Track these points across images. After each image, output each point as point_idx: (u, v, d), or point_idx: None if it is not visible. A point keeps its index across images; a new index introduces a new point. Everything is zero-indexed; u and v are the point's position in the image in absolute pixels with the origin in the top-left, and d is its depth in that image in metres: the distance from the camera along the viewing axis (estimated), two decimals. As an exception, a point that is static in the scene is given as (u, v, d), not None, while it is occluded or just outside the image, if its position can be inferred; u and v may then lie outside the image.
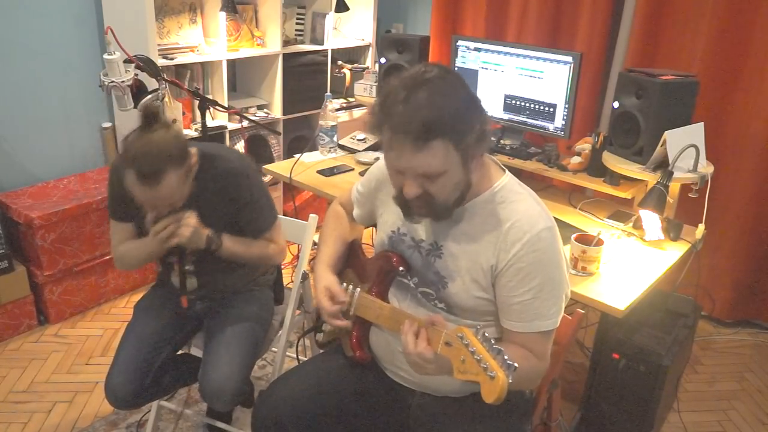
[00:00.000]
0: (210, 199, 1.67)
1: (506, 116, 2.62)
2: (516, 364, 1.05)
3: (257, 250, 1.76)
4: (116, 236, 1.76)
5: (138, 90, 2.14)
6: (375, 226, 1.59)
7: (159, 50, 2.82)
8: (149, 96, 2.13)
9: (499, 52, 2.57)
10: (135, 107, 2.14)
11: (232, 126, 3.19)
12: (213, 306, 1.85)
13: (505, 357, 1.06)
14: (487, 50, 2.61)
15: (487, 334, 1.10)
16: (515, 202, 1.30)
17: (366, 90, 3.16)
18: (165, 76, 2.18)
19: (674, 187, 2.19)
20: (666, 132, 2.04)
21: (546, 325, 1.28)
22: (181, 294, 1.76)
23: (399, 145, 1.17)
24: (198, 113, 2.44)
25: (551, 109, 2.47)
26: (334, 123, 2.86)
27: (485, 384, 1.05)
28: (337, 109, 3.52)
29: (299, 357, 1.84)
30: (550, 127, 2.50)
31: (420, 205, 1.26)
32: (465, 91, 1.20)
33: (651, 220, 2.07)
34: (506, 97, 2.60)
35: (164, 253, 1.72)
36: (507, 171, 1.37)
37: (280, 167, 2.70)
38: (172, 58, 2.89)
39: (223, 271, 1.80)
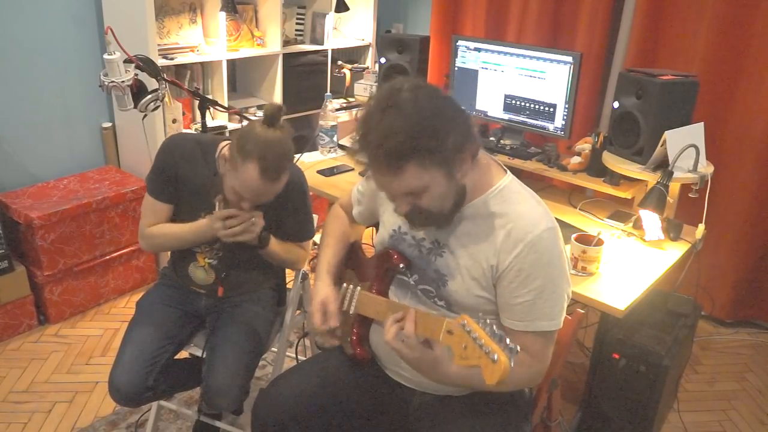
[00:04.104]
0: (270, 204, 1.70)
1: (506, 116, 2.62)
2: (518, 347, 1.07)
3: (287, 254, 1.82)
4: (149, 216, 1.78)
5: (138, 90, 2.13)
6: (375, 225, 1.59)
7: (159, 50, 2.82)
8: (149, 96, 2.13)
9: (499, 52, 2.57)
10: (135, 107, 2.13)
11: (233, 126, 3.19)
12: (218, 304, 1.85)
13: (507, 341, 1.07)
14: (487, 50, 2.61)
15: (489, 321, 1.11)
16: (516, 203, 1.30)
17: (366, 90, 3.16)
18: (165, 76, 2.17)
19: (674, 187, 2.19)
20: (666, 132, 2.04)
21: (548, 325, 1.29)
22: (217, 279, 1.81)
23: (375, 171, 1.20)
24: (198, 113, 2.43)
25: (551, 109, 2.47)
26: (334, 123, 2.86)
27: (487, 367, 1.06)
28: (337, 109, 3.52)
29: (299, 357, 1.84)
30: (550, 127, 2.50)
31: (417, 218, 1.28)
32: (436, 104, 1.16)
33: (651, 220, 2.07)
34: (506, 97, 2.60)
35: (195, 244, 1.77)
36: (509, 172, 1.37)
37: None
38: (172, 58, 2.89)
39: (242, 268, 1.83)
